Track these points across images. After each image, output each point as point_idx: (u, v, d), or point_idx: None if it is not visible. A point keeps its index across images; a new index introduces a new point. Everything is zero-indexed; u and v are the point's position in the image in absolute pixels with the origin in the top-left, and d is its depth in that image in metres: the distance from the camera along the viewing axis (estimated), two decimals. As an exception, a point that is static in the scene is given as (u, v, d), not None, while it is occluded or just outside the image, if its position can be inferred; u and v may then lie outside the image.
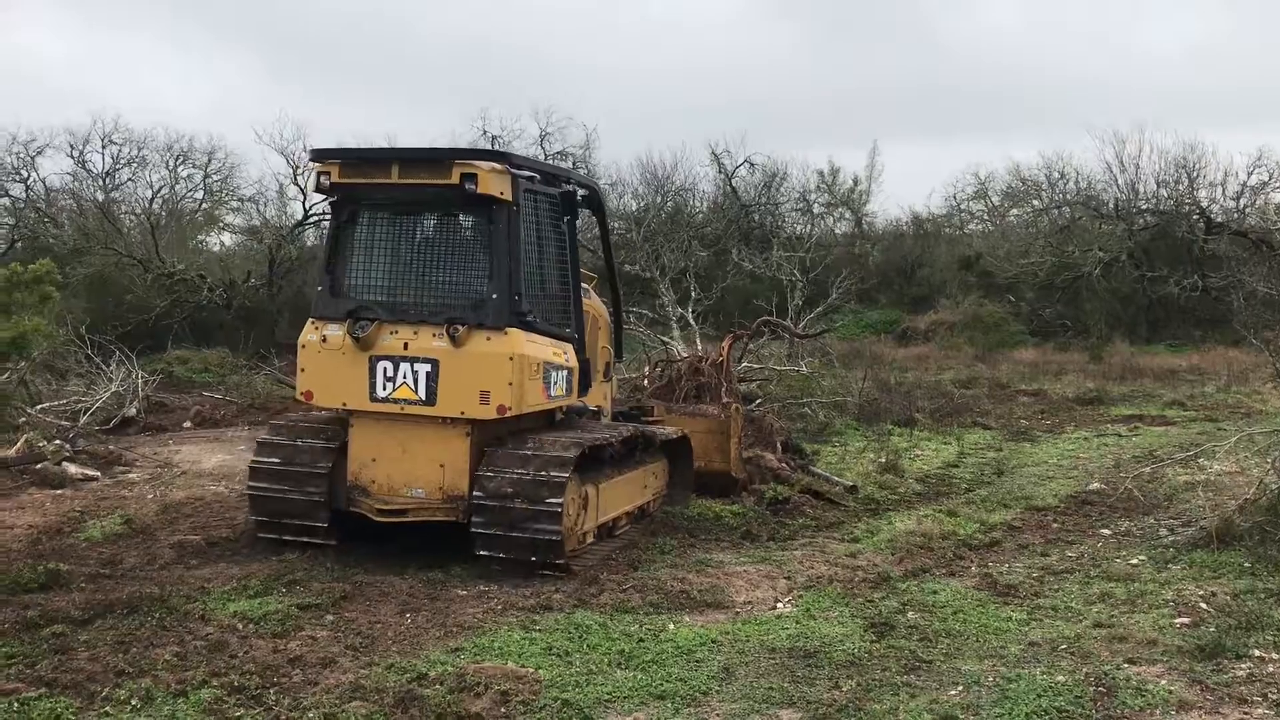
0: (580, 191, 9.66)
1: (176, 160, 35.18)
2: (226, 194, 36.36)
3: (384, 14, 66.45)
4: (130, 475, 12.16)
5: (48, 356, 16.27)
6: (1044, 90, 65.06)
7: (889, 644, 6.60)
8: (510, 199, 8.05)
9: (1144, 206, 33.80)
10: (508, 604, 7.34)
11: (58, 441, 12.82)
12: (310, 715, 5.47)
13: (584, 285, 9.86)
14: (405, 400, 8.07)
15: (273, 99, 64.64)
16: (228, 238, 35.54)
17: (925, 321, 32.27)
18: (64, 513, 10.07)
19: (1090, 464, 13.29)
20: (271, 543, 8.60)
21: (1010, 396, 20.17)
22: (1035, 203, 37.95)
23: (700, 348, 17.93)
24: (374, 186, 8.27)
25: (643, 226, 30.21)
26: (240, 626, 6.80)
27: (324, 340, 8.29)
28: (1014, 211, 39.82)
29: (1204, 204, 33.14)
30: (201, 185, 36.09)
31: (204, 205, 36.13)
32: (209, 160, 35.49)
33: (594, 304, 10.06)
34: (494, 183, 7.96)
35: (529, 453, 7.98)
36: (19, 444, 12.20)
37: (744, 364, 18.12)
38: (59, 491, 11.13)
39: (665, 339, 19.87)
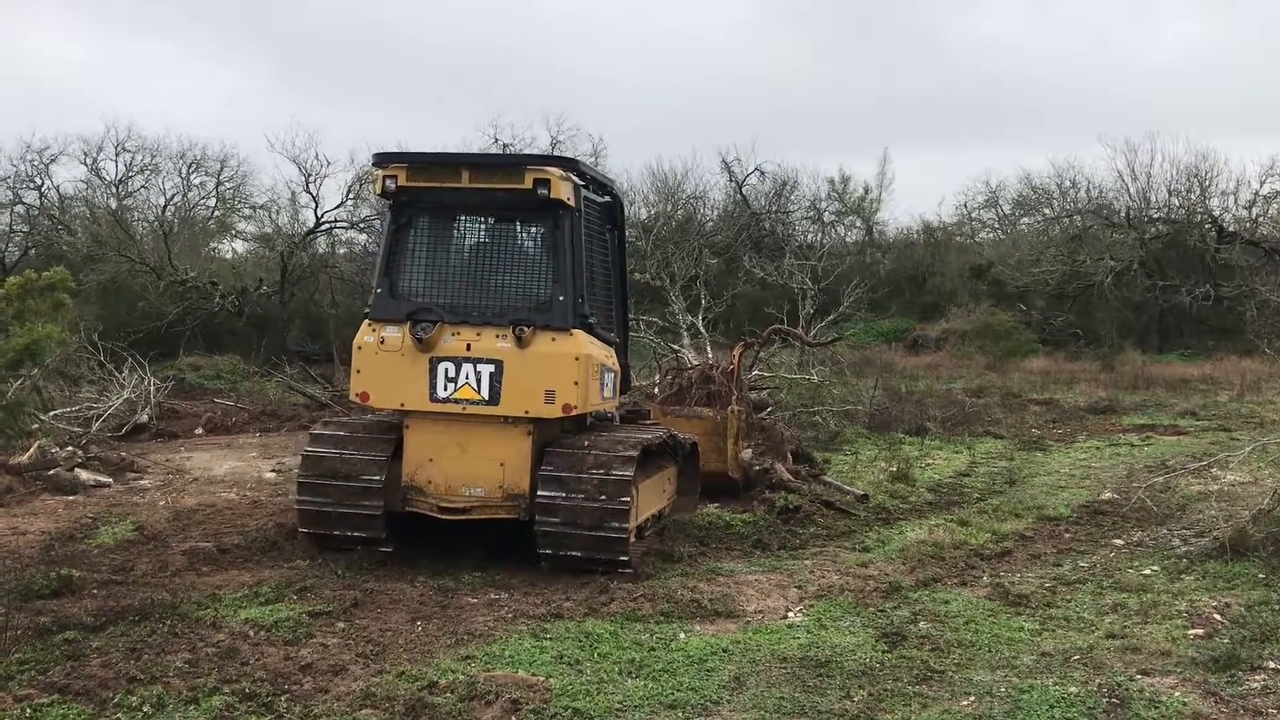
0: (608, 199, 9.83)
1: (189, 168, 35.35)
2: (239, 201, 36.51)
3: (387, 24, 66.67)
4: (142, 482, 12.20)
5: (61, 363, 16.31)
6: (1054, 99, 65.07)
7: (901, 654, 6.58)
8: (575, 205, 8.30)
9: (1156, 215, 33.73)
10: (518, 612, 7.34)
11: (70, 448, 12.87)
12: (321, 723, 5.47)
13: None
14: (468, 400, 8.18)
15: (281, 107, 64.94)
16: (240, 245, 35.73)
17: (936, 330, 32.22)
18: (76, 519, 10.11)
19: (1102, 473, 13.23)
20: (293, 546, 8.79)
21: (1022, 405, 20.11)
22: (1046, 211, 37.93)
23: (711, 356, 17.93)
24: (442, 190, 8.43)
25: (652, 234, 30.21)
26: (251, 633, 6.80)
27: (382, 342, 8.35)
28: (1025, 220, 39.80)
29: (1216, 213, 33.10)
30: (214, 193, 36.25)
31: (216, 213, 36.28)
32: (221, 168, 35.67)
33: None
34: (563, 188, 8.19)
35: (593, 452, 8.15)
36: (32, 450, 12.24)
37: (755, 372, 18.10)
38: (71, 498, 11.18)
39: (675, 347, 19.86)
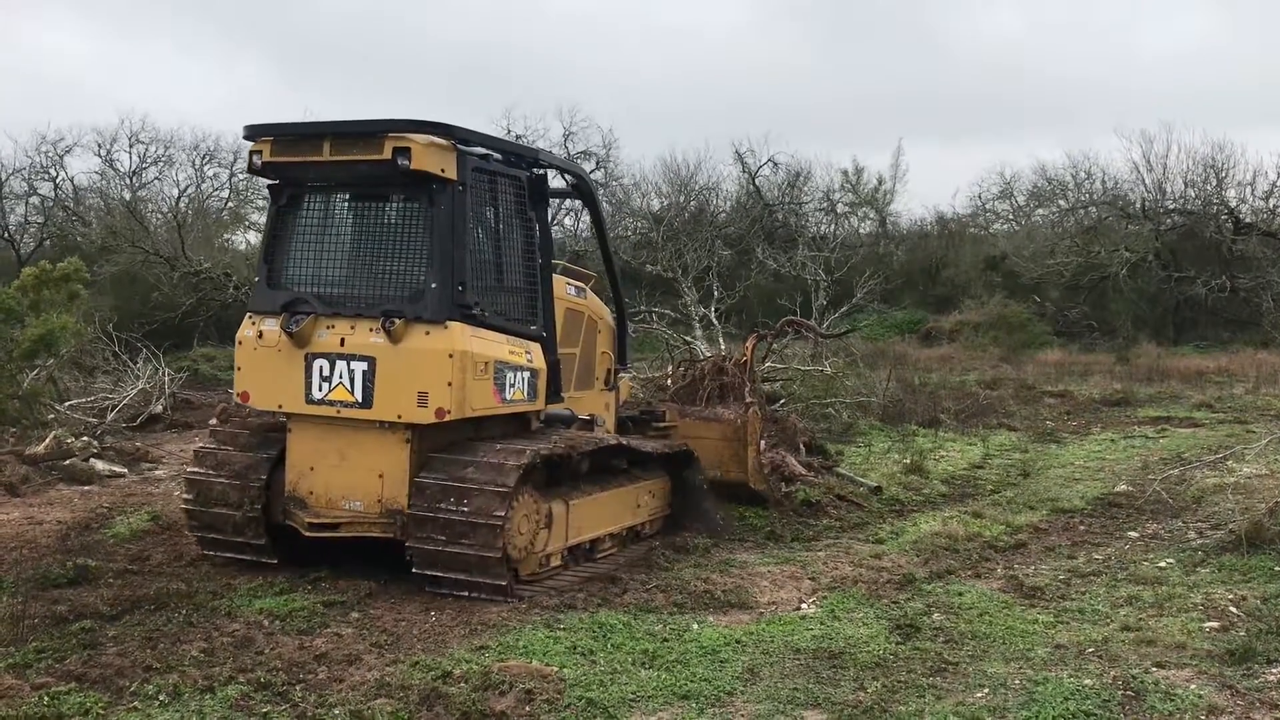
0: (568, 178, 9.13)
1: (203, 159, 35.45)
2: (252, 192, 36.56)
3: (393, 16, 66.58)
4: (157, 472, 12.26)
5: (76, 354, 16.39)
6: (1068, 90, 64.58)
7: (914, 646, 6.57)
8: (455, 178, 7.29)
9: (1171, 206, 33.49)
10: (532, 603, 7.34)
11: (85, 438, 12.94)
12: (336, 712, 5.49)
13: (581, 285, 9.38)
14: (342, 402, 7.32)
15: (284, 102, 64.87)
16: (253, 236, 35.72)
17: (950, 322, 32.09)
18: (92, 509, 10.16)
19: (1117, 466, 13.18)
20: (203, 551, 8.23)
21: (1036, 398, 20.03)
22: (1061, 203, 37.70)
23: (723, 347, 17.92)
24: (306, 165, 7.50)
25: (664, 225, 30.17)
26: (266, 623, 6.84)
27: (260, 336, 7.57)
28: (1039, 211, 39.57)
29: (1232, 204, 32.84)
30: (227, 184, 36.34)
31: (230, 204, 36.35)
32: (235, 159, 35.73)
33: (591, 304, 9.41)
34: (432, 158, 7.19)
35: (470, 460, 7.28)
36: (48, 440, 12.31)
37: (768, 364, 18.08)
38: (87, 488, 11.24)
39: (688, 338, 19.86)
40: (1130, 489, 11.50)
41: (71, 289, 14.31)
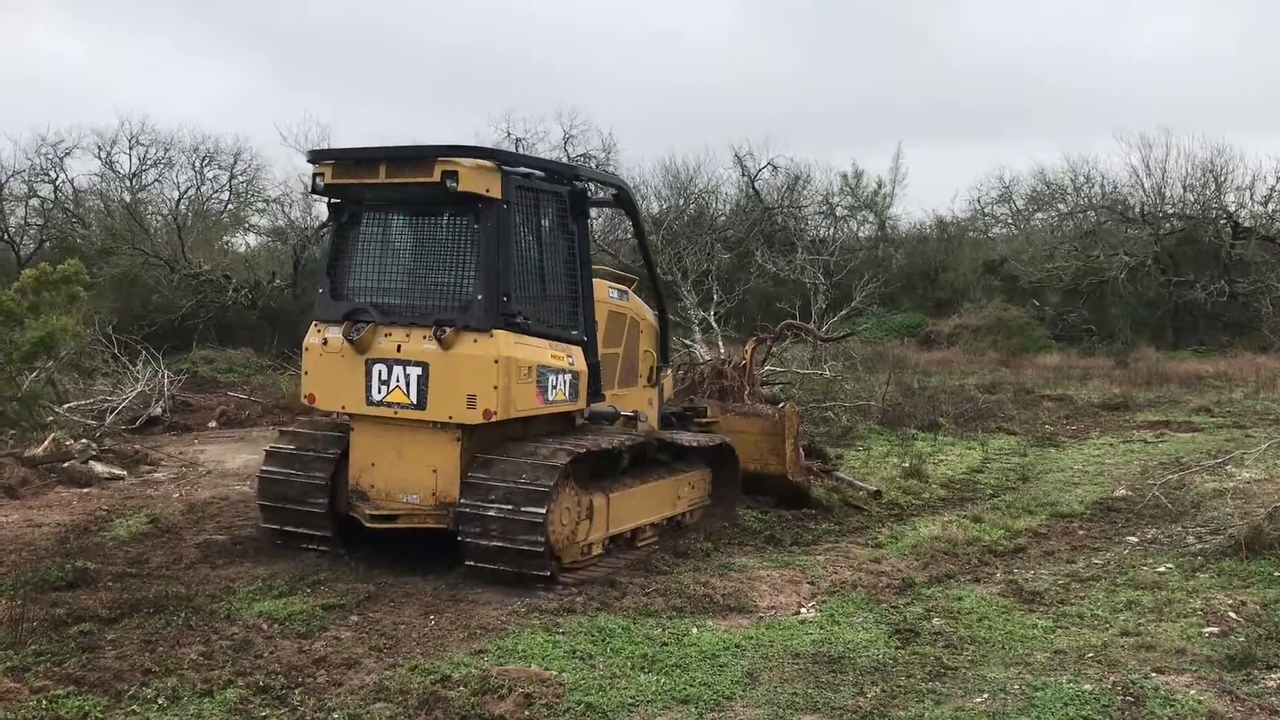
0: (609, 191, 9.55)
1: (203, 161, 35.42)
2: (252, 195, 36.57)
3: (390, 18, 66.59)
4: (156, 475, 12.25)
5: (75, 356, 16.38)
6: (1067, 94, 64.59)
7: (914, 650, 6.57)
8: (500, 196, 7.83)
9: (1170, 211, 33.50)
10: (531, 606, 7.35)
11: (84, 440, 12.93)
12: (335, 716, 5.50)
13: (623, 288, 9.78)
14: (399, 404, 7.90)
15: (288, 103, 64.85)
16: (253, 238, 35.73)
17: (949, 325, 32.09)
18: (91, 511, 10.15)
19: (1116, 470, 13.18)
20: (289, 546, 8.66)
21: (1035, 402, 20.03)
22: (1060, 206, 37.72)
23: (723, 350, 17.92)
24: (365, 187, 8.13)
25: (663, 228, 30.17)
26: (265, 626, 6.83)
27: (325, 343, 8.20)
28: (1038, 215, 39.58)
29: (1231, 208, 32.85)
30: (227, 186, 36.31)
31: (229, 206, 36.32)
32: (235, 161, 35.72)
33: (633, 306, 9.83)
34: (478, 180, 7.74)
35: (515, 459, 7.76)
36: (47, 443, 12.31)
37: (766, 367, 18.09)
38: (86, 490, 11.23)
39: (687, 342, 19.86)
40: (1129, 493, 11.50)
41: (71, 291, 14.30)
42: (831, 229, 37.96)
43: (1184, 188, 33.34)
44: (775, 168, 37.49)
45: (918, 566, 8.56)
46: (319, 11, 69.21)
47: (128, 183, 34.86)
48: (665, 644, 6.61)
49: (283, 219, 32.73)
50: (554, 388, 8.12)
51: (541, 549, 7.54)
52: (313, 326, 8.37)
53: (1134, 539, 9.65)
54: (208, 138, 36.27)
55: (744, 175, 37.61)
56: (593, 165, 33.17)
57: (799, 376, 18.71)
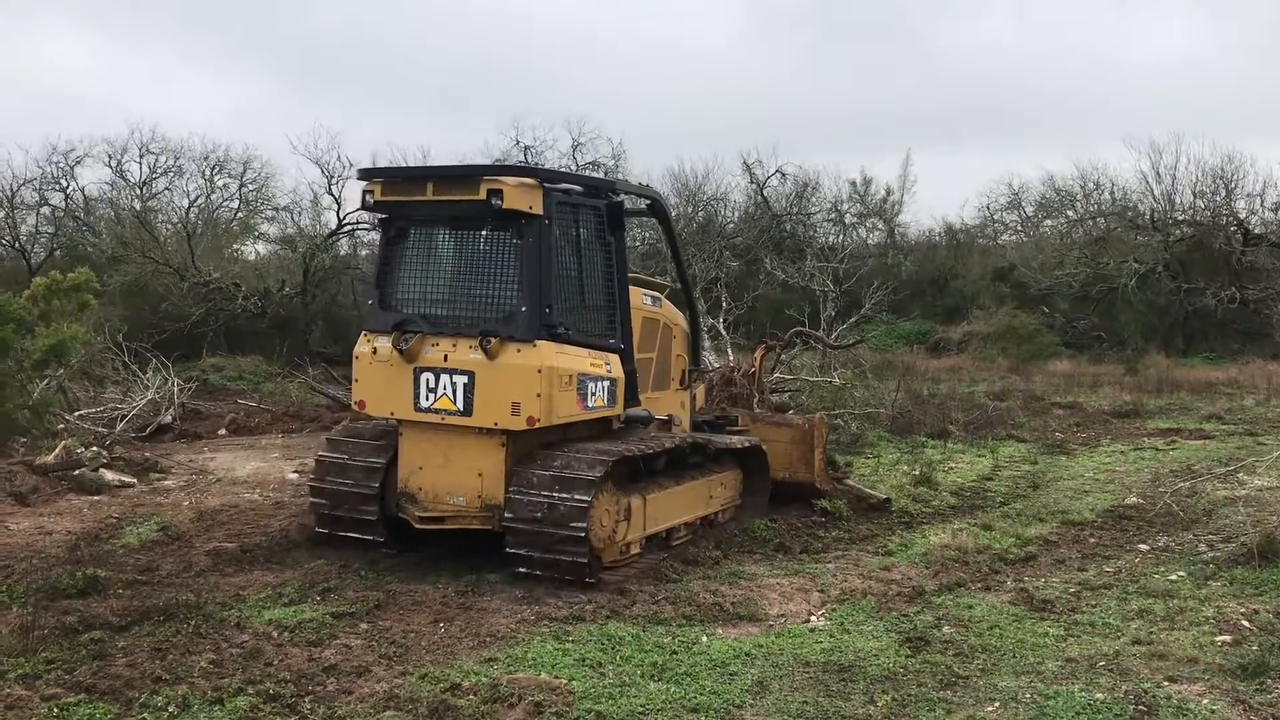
0: (642, 202, 9.95)
1: (212, 170, 35.50)
2: (261, 203, 36.63)
3: (393, 27, 66.76)
4: (166, 482, 12.27)
5: (86, 364, 16.45)
6: (1072, 101, 64.41)
7: (924, 659, 6.55)
8: (541, 213, 8.15)
9: (1180, 217, 33.40)
10: (541, 614, 7.34)
11: (95, 448, 12.96)
12: (345, 724, 5.49)
13: (657, 295, 10.08)
14: (446, 411, 8.24)
15: (292, 112, 64.97)
16: (262, 247, 35.79)
17: (958, 333, 32.03)
18: (101, 519, 10.18)
19: (1127, 478, 13.14)
20: (317, 547, 8.97)
21: (1045, 409, 19.97)
22: (1070, 213, 37.61)
23: (732, 358, 17.90)
24: (413, 204, 8.48)
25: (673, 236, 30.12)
26: (275, 634, 6.84)
27: (374, 352, 8.54)
28: (1048, 222, 39.48)
29: (1242, 215, 32.76)
30: (237, 194, 36.38)
31: (239, 214, 36.40)
32: (244, 170, 35.79)
33: (666, 312, 10.16)
34: (522, 197, 8.07)
35: (555, 472, 8.02)
36: (57, 450, 12.34)
37: (776, 374, 18.06)
38: (96, 498, 11.25)
39: (697, 349, 19.79)
40: (1140, 501, 11.45)
41: (82, 299, 14.36)
42: (840, 236, 37.91)
43: (1194, 194, 33.27)
44: (784, 175, 37.47)
45: (928, 574, 8.54)
46: (320, 20, 69.45)
47: (138, 191, 34.97)
48: (675, 652, 6.60)
49: (292, 227, 32.84)
50: (593, 394, 8.46)
51: (584, 547, 7.84)
52: (362, 336, 8.75)
53: (1145, 547, 9.61)
54: (218, 146, 36.51)
55: (752, 183, 37.62)
56: (601, 173, 33.25)
57: (809, 384, 18.68)
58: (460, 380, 8.15)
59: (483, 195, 8.02)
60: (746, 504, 10.30)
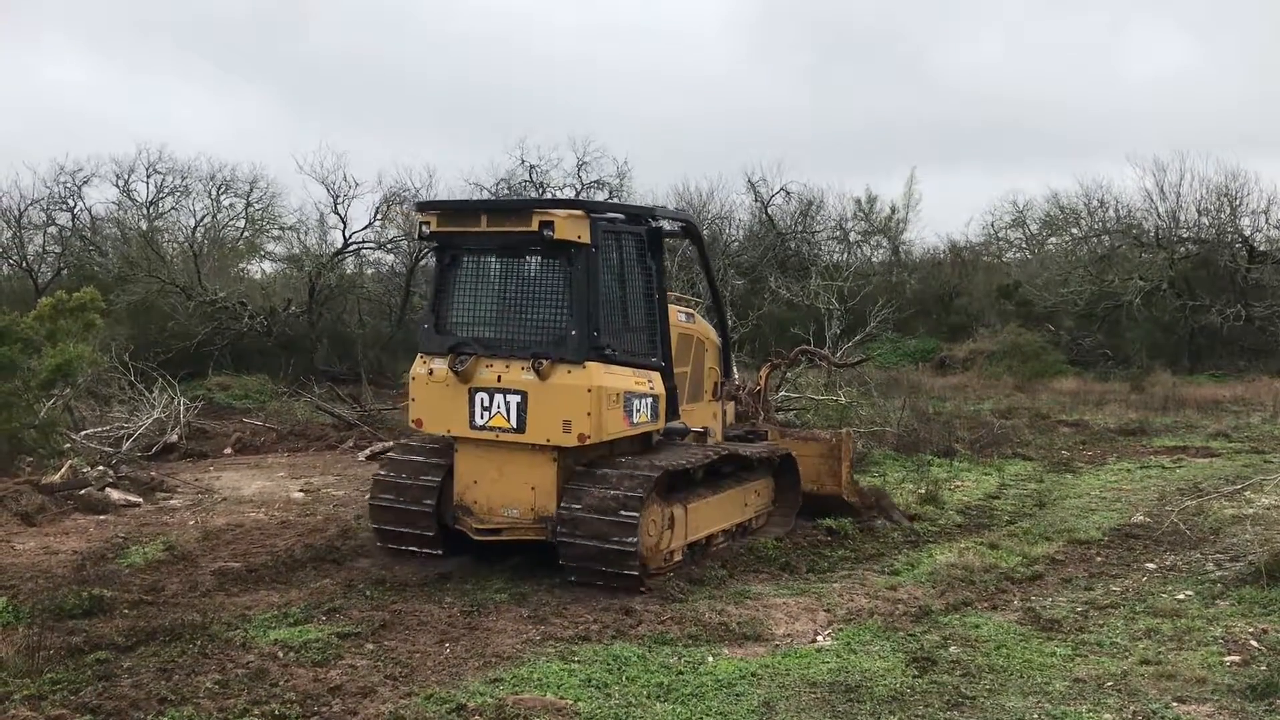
0: (676, 225, 10.35)
1: (219, 189, 35.57)
2: (268, 222, 36.69)
3: (392, 52, 66.99)
4: (172, 501, 12.28)
5: (92, 383, 16.47)
6: (1076, 119, 64.43)
7: (931, 679, 6.53)
8: (589, 241, 8.60)
9: (1185, 235, 33.38)
10: (546, 634, 7.33)
11: (101, 467, 12.97)
12: (350, 745, 5.48)
13: (690, 311, 10.52)
14: (500, 428, 8.72)
15: (298, 132, 65.09)
16: (268, 266, 35.83)
17: (964, 350, 31.99)
18: (107, 538, 10.18)
19: (1133, 496, 13.10)
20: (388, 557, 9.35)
21: (1051, 427, 19.93)
22: (1074, 231, 37.60)
23: (737, 376, 17.88)
24: (467, 234, 8.97)
25: (677, 255, 30.19)
26: (281, 654, 6.83)
27: (430, 373, 8.99)
28: (1052, 240, 39.48)
29: (1247, 232, 32.73)
30: (243, 214, 36.44)
31: (245, 234, 36.47)
32: (250, 189, 35.87)
33: (700, 328, 10.54)
34: (571, 228, 8.53)
35: (606, 488, 8.47)
36: (64, 470, 12.35)
37: (781, 393, 18.06)
38: (102, 517, 11.26)
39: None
40: (1147, 520, 11.42)
41: (88, 318, 14.39)
42: (845, 254, 37.92)
43: (1199, 211, 33.23)
44: (788, 193, 37.50)
45: (934, 594, 8.51)
46: (320, 45, 69.67)
47: (145, 211, 35.04)
48: (681, 672, 6.58)
49: (298, 246, 32.88)
50: (638, 411, 8.95)
51: (635, 559, 8.28)
52: (418, 358, 9.18)
53: (1152, 566, 9.58)
54: (224, 166, 36.46)
55: (757, 201, 37.66)
56: (606, 191, 33.35)
57: (814, 402, 18.65)
58: (513, 399, 8.63)
59: (535, 226, 8.50)
60: (778, 511, 10.71)
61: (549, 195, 32.09)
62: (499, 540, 8.93)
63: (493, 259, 9.16)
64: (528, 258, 8.99)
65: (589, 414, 8.44)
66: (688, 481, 9.37)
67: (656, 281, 9.40)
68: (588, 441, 8.50)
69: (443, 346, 8.99)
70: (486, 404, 8.73)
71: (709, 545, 9.65)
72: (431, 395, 8.97)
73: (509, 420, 8.66)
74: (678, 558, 9.14)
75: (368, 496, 9.62)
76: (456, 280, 9.20)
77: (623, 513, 8.30)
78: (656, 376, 9.22)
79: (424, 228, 9.12)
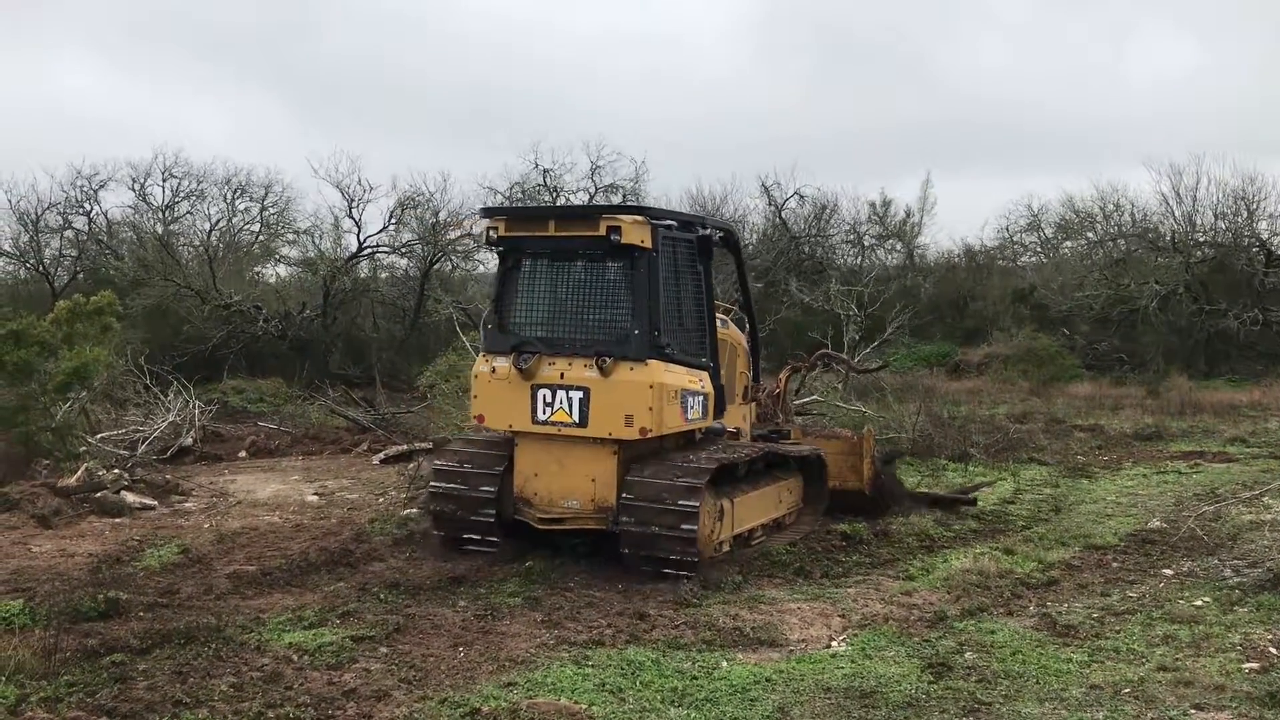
0: (718, 234, 10.55)
1: (234, 193, 35.70)
2: (282, 226, 36.79)
3: (406, 55, 67.19)
4: (187, 504, 12.32)
5: (108, 386, 16.54)
6: (1086, 123, 64.24)
7: (947, 685, 6.49)
8: (650, 246, 9.01)
9: (1201, 239, 33.20)
10: (560, 638, 7.32)
11: (116, 470, 13.02)
12: (364, 749, 5.47)
13: (724, 316, 10.85)
14: (562, 423, 9.11)
15: (308, 137, 65.39)
16: (283, 269, 35.93)
17: (979, 355, 31.86)
18: (123, 541, 10.22)
19: (1150, 501, 13.02)
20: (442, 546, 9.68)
21: (1066, 431, 19.83)
22: (1090, 235, 37.44)
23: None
24: (534, 239, 9.39)
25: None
26: (295, 658, 6.84)
27: (493, 371, 9.36)
28: (1068, 244, 39.31)
29: (1264, 236, 32.53)
30: (258, 218, 36.56)
31: (260, 237, 36.59)
32: (265, 193, 35.98)
33: (732, 332, 10.92)
34: (635, 233, 8.98)
35: (667, 479, 8.82)
36: (79, 472, 12.41)
37: (810, 397, 18.01)
38: (118, 520, 11.31)
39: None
40: (1164, 525, 11.35)
41: (104, 322, 14.48)
42: (860, 258, 37.82)
43: (1215, 215, 33.03)
44: (802, 197, 37.41)
45: (949, 599, 8.47)
46: (332, 50, 69.97)
47: (160, 214, 35.19)
48: (695, 677, 6.56)
49: (313, 250, 32.97)
50: (692, 407, 9.38)
51: (694, 546, 8.72)
52: (480, 356, 9.65)
53: (1169, 571, 9.51)
54: (239, 170, 36.55)
55: (770, 204, 37.59)
56: (619, 195, 33.36)
57: (831, 407, 18.59)
58: (576, 395, 9.02)
59: (603, 231, 8.97)
60: (807, 508, 11.03)
61: (563, 199, 32.13)
62: (562, 530, 9.30)
63: (556, 262, 9.51)
64: (591, 261, 9.34)
65: (650, 409, 8.85)
66: (731, 477, 9.66)
67: (706, 286, 9.80)
68: (649, 435, 8.90)
69: (506, 346, 9.35)
70: (549, 400, 9.08)
71: (750, 539, 9.97)
72: (494, 392, 9.32)
73: (571, 415, 9.02)
74: (726, 548, 9.49)
75: (430, 483, 9.90)
76: (519, 283, 9.57)
77: (683, 501, 8.66)
78: (706, 376, 9.61)
79: (491, 232, 9.46)
